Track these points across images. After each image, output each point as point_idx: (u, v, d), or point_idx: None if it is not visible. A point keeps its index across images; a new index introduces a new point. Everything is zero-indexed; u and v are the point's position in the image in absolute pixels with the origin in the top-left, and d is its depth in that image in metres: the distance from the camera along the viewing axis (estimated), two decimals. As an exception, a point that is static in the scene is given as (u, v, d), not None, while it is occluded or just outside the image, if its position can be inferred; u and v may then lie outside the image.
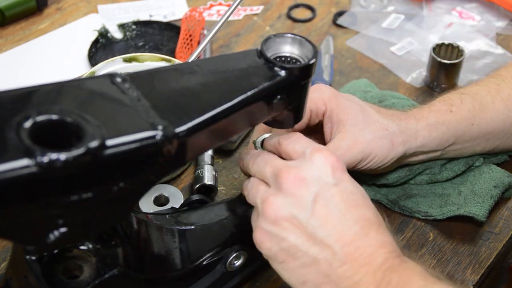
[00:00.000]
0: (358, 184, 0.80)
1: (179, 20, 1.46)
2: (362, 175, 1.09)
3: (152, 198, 1.10)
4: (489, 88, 1.09)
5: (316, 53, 0.80)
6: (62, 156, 0.58)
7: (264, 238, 0.78)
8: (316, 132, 1.05)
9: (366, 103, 1.01)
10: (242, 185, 0.86)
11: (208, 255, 0.92)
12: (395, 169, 1.08)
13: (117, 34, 1.42)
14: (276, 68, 0.78)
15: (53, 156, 0.57)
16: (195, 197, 1.05)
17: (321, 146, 0.81)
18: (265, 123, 0.87)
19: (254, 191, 0.81)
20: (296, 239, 0.76)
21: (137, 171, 0.65)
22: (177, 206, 1.06)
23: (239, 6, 1.37)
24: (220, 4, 1.51)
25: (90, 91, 0.69)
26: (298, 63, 0.82)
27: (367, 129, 0.97)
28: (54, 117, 0.61)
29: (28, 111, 0.61)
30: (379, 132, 0.98)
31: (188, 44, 1.37)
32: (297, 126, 0.92)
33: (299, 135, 0.84)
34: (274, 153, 0.84)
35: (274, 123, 0.87)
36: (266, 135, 0.91)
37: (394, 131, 0.99)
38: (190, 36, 1.38)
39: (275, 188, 0.78)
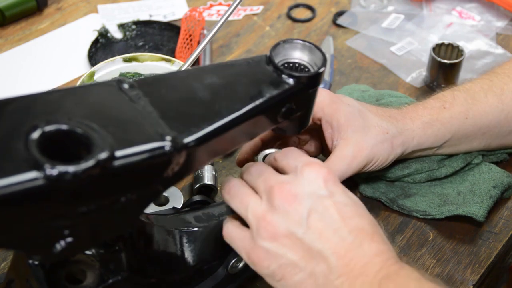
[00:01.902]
0: (352, 194, 0.80)
1: (179, 20, 1.45)
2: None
3: (152, 199, 1.10)
4: (481, 84, 1.09)
5: (325, 61, 0.80)
6: (71, 169, 0.57)
7: (262, 257, 0.77)
8: (308, 132, 1.05)
9: (364, 106, 1.02)
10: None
11: (210, 258, 0.92)
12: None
13: (117, 34, 1.42)
14: (284, 76, 0.78)
15: (62, 169, 0.57)
16: (197, 197, 1.05)
17: (313, 160, 0.81)
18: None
19: (244, 202, 0.80)
20: (294, 255, 0.76)
21: (145, 182, 0.65)
22: (177, 206, 1.06)
23: (239, 6, 1.37)
24: (220, 4, 1.51)
25: (97, 99, 0.68)
26: (307, 69, 0.81)
27: (369, 134, 0.98)
28: (64, 127, 0.61)
29: (36, 121, 0.61)
30: (380, 136, 0.99)
31: (188, 44, 1.36)
32: None
33: (293, 150, 0.84)
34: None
35: (279, 130, 0.87)
36: (268, 151, 0.91)
37: (393, 134, 1.00)
38: (190, 36, 1.37)
39: (268, 204, 0.77)
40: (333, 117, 0.98)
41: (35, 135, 0.59)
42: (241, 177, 0.84)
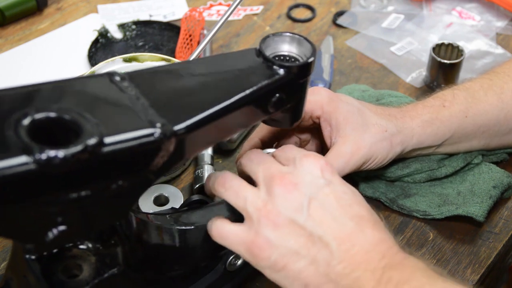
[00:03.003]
0: (349, 185, 0.81)
1: (179, 20, 1.46)
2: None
3: (152, 198, 1.10)
4: (481, 83, 1.09)
5: (314, 51, 0.81)
6: (60, 153, 0.58)
7: (263, 247, 0.77)
8: (309, 131, 1.05)
9: (363, 104, 1.02)
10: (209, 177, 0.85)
11: (208, 255, 0.92)
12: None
13: (117, 34, 1.42)
14: (274, 67, 0.78)
15: (51, 153, 0.57)
16: (195, 197, 1.04)
17: (310, 152, 0.83)
18: (264, 121, 0.88)
19: (241, 194, 0.80)
20: (296, 243, 0.76)
21: (135, 168, 0.65)
22: (177, 206, 1.06)
23: (239, 6, 1.37)
24: (220, 4, 1.51)
25: (89, 90, 0.69)
26: (297, 61, 0.82)
27: (367, 132, 0.98)
28: (52, 114, 0.62)
29: (27, 109, 0.61)
30: (379, 134, 0.98)
31: (188, 44, 1.37)
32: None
33: (291, 146, 0.86)
34: None
35: (273, 122, 0.87)
36: (268, 150, 0.92)
37: (392, 132, 1.00)
38: (190, 36, 1.38)
39: (268, 193, 0.78)
40: (332, 115, 0.98)
41: (25, 121, 0.60)
42: (240, 162, 0.85)
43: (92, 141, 0.60)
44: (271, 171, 0.79)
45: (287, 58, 0.83)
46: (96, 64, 1.25)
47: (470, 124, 1.06)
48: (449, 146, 1.08)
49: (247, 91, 0.75)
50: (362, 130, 0.98)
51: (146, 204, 1.09)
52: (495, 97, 1.07)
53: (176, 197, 1.11)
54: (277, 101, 0.79)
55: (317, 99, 0.98)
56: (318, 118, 0.99)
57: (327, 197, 0.78)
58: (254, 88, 0.75)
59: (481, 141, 1.09)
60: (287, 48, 0.83)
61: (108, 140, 0.62)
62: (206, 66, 0.78)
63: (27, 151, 0.57)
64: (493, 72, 1.12)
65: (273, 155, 0.85)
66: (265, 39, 0.81)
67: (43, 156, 0.57)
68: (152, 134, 0.65)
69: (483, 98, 1.07)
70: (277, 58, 0.82)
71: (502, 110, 1.07)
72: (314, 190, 0.78)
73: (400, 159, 1.08)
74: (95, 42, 1.39)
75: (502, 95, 1.08)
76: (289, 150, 0.84)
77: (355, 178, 1.12)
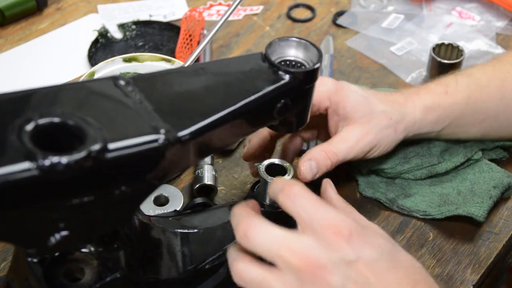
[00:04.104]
0: (363, 217, 0.75)
1: (179, 20, 1.45)
2: (358, 165, 1.10)
3: (152, 198, 1.10)
4: (484, 70, 1.10)
5: (321, 57, 0.80)
6: (64, 159, 0.57)
7: None
8: (315, 125, 1.05)
9: (368, 92, 1.02)
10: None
11: (210, 259, 0.92)
12: (390, 156, 1.09)
13: (117, 34, 1.42)
14: (280, 72, 0.78)
15: (55, 159, 0.57)
16: (198, 200, 1.04)
17: (326, 215, 0.70)
18: (268, 126, 0.87)
19: (251, 276, 0.70)
20: None
21: (139, 174, 0.65)
22: (177, 206, 1.06)
23: (239, 6, 1.37)
24: (220, 4, 1.51)
25: (92, 94, 0.68)
26: (303, 67, 0.81)
27: (374, 120, 0.98)
28: (56, 120, 0.61)
29: (30, 114, 0.61)
30: (384, 121, 0.99)
31: (188, 44, 1.37)
32: None
33: (297, 192, 0.72)
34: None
35: (277, 127, 0.87)
36: (268, 162, 0.90)
37: (397, 120, 1.01)
38: (190, 36, 1.38)
39: (295, 279, 0.68)
40: (339, 105, 0.98)
41: (29, 127, 0.59)
42: (244, 239, 0.71)
43: (96, 147, 0.59)
44: (290, 250, 0.68)
45: (293, 63, 0.82)
46: (96, 64, 1.25)
47: (470, 111, 1.07)
48: (448, 134, 1.08)
49: (252, 97, 0.74)
50: (369, 117, 0.98)
51: (146, 204, 1.09)
52: (498, 83, 1.08)
53: (176, 197, 1.11)
54: (283, 106, 0.78)
55: (323, 90, 0.98)
56: (326, 109, 0.99)
57: (362, 274, 0.68)
58: (260, 93, 0.75)
59: (480, 129, 1.10)
60: (293, 53, 0.82)
61: (112, 146, 0.61)
62: (211, 71, 0.78)
63: (30, 157, 0.57)
64: (495, 60, 1.13)
65: (280, 201, 0.73)
66: (270, 44, 0.80)
67: (47, 162, 0.57)
68: (156, 140, 0.65)
69: (485, 85, 1.07)
70: (283, 63, 0.81)
71: (502, 100, 1.08)
72: (346, 269, 0.68)
73: (401, 154, 1.08)
74: (95, 42, 1.39)
75: (505, 81, 1.08)
76: (301, 203, 0.71)
77: (355, 177, 1.12)
